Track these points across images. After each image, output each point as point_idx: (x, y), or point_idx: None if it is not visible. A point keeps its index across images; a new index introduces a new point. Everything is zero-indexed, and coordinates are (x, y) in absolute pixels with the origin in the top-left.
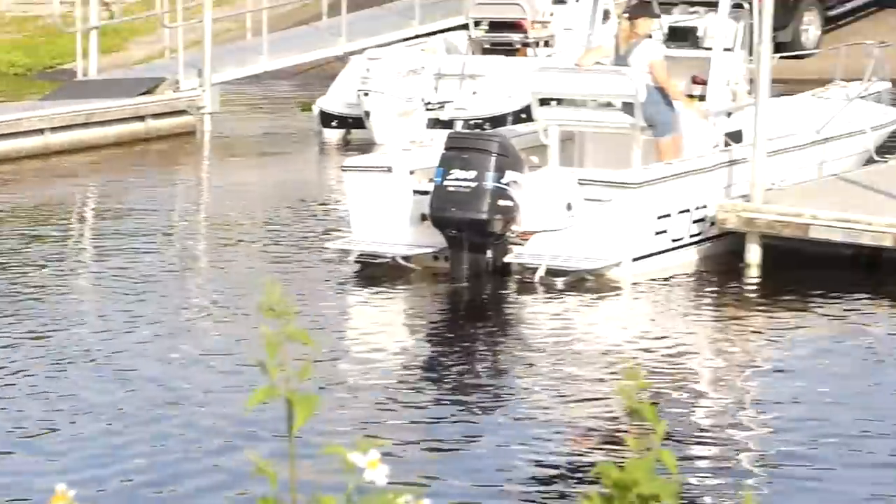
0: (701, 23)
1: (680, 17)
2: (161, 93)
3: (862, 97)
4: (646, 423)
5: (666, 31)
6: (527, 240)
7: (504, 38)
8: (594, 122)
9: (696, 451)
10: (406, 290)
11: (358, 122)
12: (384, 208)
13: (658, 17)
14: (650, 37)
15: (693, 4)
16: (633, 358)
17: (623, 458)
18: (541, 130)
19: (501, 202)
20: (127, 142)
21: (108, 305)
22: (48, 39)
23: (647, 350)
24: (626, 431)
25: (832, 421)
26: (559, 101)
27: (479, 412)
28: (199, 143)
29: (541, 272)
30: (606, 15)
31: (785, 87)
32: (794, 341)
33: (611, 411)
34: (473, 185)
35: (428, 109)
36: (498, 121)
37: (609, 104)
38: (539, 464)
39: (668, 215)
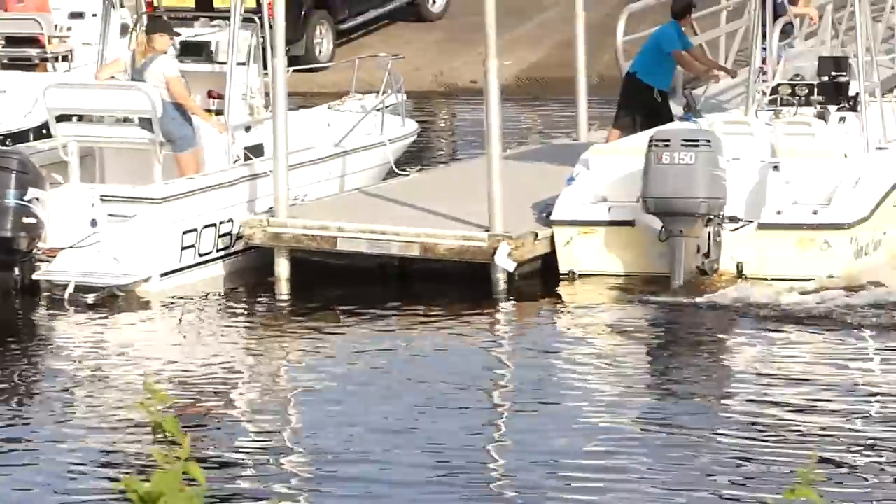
0: (214, 37)
1: (200, 30)
2: None
3: (378, 109)
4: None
5: (178, 45)
6: (54, 257)
7: (22, 54)
8: (113, 137)
9: (231, 463)
10: None
11: None
12: None
13: (177, 34)
14: (166, 52)
15: (212, 19)
16: (158, 375)
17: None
18: (60, 147)
19: (25, 219)
20: None
21: None
22: None
23: (177, 367)
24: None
25: (359, 439)
26: (80, 118)
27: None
28: None
29: (70, 289)
30: (126, 29)
31: (302, 100)
32: (321, 358)
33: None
34: None
35: None
36: (19, 137)
37: (127, 119)
38: (73, 491)
39: (195, 230)
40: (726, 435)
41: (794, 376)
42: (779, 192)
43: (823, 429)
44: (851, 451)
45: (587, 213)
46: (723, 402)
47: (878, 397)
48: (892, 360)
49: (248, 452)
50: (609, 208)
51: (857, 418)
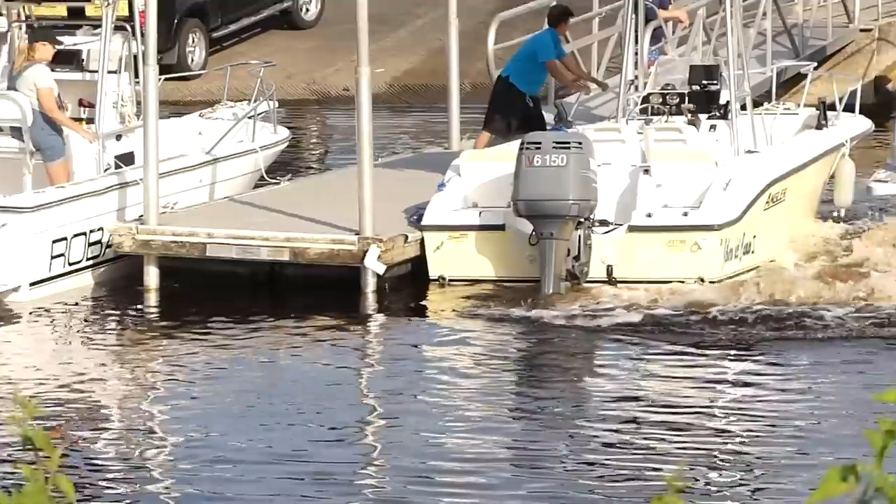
0: (86, 45)
1: (80, 39)
2: None
3: (250, 117)
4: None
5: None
6: None
7: None
8: None
9: (106, 476)
10: None
11: None
12: None
13: (59, 43)
14: (47, 61)
15: (95, 27)
16: (27, 387)
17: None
18: None
19: None
20: None
21: None
22: None
23: (48, 378)
24: (30, 464)
25: (222, 453)
26: None
27: None
28: None
29: None
30: (3, 38)
31: (174, 108)
32: (188, 369)
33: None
34: None
35: None
36: None
37: None
38: None
39: (65, 239)
40: (584, 451)
41: (655, 395)
42: (649, 195)
43: (685, 447)
44: (711, 468)
45: (457, 219)
46: (580, 420)
47: (738, 414)
48: (752, 377)
49: (116, 466)
50: (479, 213)
51: (718, 436)
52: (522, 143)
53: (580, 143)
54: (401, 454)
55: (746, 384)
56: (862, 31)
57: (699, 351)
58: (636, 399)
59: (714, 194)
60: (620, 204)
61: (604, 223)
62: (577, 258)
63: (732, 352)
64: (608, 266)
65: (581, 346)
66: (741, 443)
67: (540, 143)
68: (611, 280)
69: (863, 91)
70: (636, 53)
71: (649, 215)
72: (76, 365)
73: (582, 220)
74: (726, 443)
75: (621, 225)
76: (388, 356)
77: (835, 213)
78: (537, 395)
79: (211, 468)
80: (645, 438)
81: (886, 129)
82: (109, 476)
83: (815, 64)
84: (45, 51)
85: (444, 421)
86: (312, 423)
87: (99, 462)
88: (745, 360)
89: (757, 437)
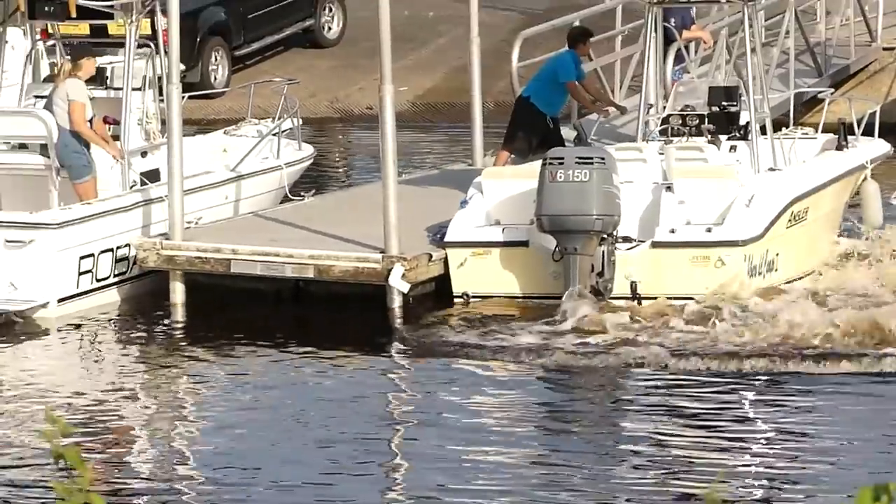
0: (110, 63)
1: (114, 58)
2: None
3: (274, 134)
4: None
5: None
6: None
7: None
8: (9, 164)
9: (131, 493)
10: None
11: None
12: None
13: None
14: (91, 74)
15: (108, 45)
16: (58, 403)
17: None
18: None
19: None
20: None
21: None
22: None
23: (76, 394)
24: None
25: (254, 469)
26: None
27: None
28: None
29: None
30: (28, 56)
31: (198, 126)
32: (217, 386)
33: (46, 462)
34: None
35: None
36: None
37: (24, 146)
38: None
39: (92, 255)
40: (607, 492)
41: (681, 434)
42: (672, 211)
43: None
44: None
45: (480, 235)
46: (601, 457)
47: (766, 449)
48: (776, 412)
49: (147, 480)
50: (503, 230)
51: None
52: (545, 159)
53: (603, 159)
54: (418, 486)
55: (773, 419)
56: (885, 49)
57: (725, 381)
58: (661, 437)
59: (737, 210)
60: (643, 221)
61: (627, 239)
62: (601, 274)
63: (755, 383)
64: (632, 282)
65: (602, 378)
66: (769, 478)
67: (563, 158)
68: (635, 297)
69: (886, 110)
70: (656, 74)
71: (673, 231)
72: (104, 381)
73: (605, 235)
74: (754, 480)
75: (644, 241)
76: (412, 385)
77: (864, 235)
78: (561, 428)
79: (237, 489)
80: (673, 480)
81: None
82: (136, 495)
83: (833, 90)
84: (91, 65)
85: (466, 457)
86: (336, 451)
87: (127, 480)
88: (760, 392)
89: (783, 473)
